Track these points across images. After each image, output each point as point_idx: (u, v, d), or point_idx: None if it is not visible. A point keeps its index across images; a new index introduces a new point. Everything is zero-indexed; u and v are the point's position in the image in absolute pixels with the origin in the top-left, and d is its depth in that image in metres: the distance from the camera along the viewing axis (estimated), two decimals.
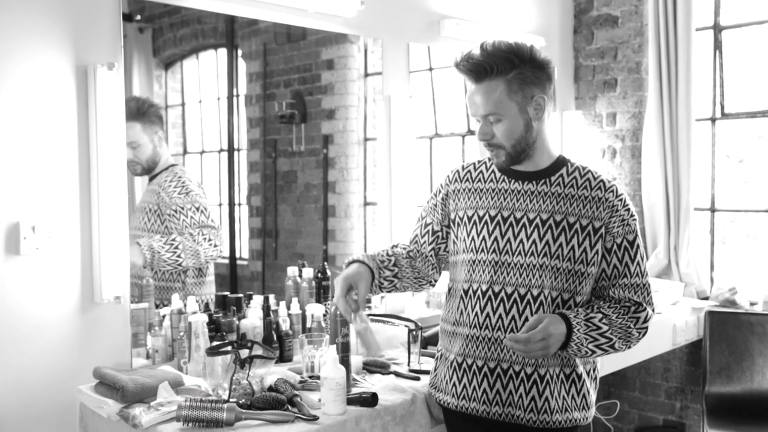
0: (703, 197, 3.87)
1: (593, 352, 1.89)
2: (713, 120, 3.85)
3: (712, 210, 3.88)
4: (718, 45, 3.80)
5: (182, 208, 2.62)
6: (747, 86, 3.80)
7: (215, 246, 2.65)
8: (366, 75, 3.30)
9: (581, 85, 4.19)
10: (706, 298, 3.81)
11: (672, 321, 3.51)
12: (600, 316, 1.89)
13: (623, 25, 4.02)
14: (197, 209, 2.65)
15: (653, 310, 1.96)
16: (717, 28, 3.80)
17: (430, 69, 3.57)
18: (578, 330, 1.85)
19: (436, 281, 2.20)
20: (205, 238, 2.61)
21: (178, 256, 2.56)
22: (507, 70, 1.87)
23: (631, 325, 1.91)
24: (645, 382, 4.05)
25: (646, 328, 1.94)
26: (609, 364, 3.05)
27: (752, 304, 3.67)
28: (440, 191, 2.11)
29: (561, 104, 4.13)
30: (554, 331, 1.82)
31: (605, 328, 1.88)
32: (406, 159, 3.19)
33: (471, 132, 3.71)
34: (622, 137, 4.07)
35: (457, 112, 3.75)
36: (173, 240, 2.56)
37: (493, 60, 1.86)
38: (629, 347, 1.94)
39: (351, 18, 2.93)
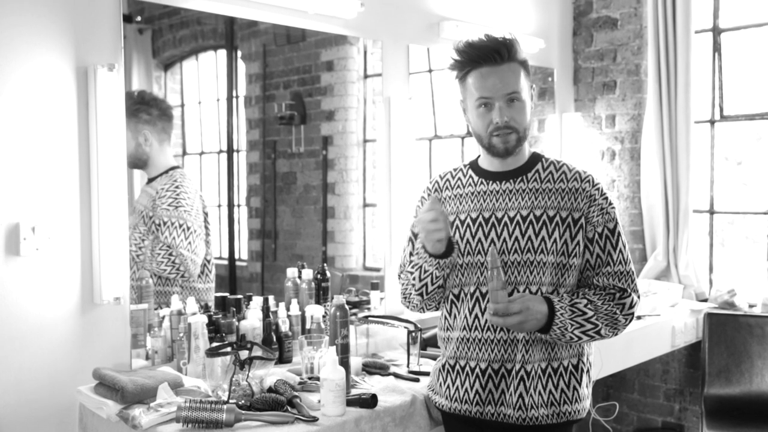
0: (702, 199, 3.87)
1: (579, 338, 1.89)
2: (712, 122, 3.85)
3: (711, 212, 3.89)
4: (717, 47, 3.81)
5: (164, 223, 2.61)
6: (746, 89, 3.80)
7: (177, 269, 2.63)
8: (365, 76, 3.31)
9: (580, 87, 4.19)
10: (705, 300, 3.81)
11: (671, 323, 3.51)
12: (585, 301, 1.90)
13: (622, 28, 4.02)
14: (179, 226, 2.63)
15: (638, 297, 1.96)
16: (716, 31, 3.81)
17: (430, 71, 3.57)
18: (562, 314, 1.86)
19: None
20: (168, 260, 2.60)
21: (138, 256, 2.55)
22: (518, 55, 1.93)
23: (617, 312, 1.91)
24: (644, 384, 4.05)
25: (632, 314, 1.94)
26: (608, 365, 3.05)
27: (751, 306, 3.67)
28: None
29: (560, 106, 4.13)
30: (532, 307, 1.83)
31: (590, 313, 1.89)
32: (405, 160, 3.19)
33: (470, 134, 3.70)
34: (621, 139, 4.07)
35: (457, 114, 3.74)
36: (143, 244, 2.56)
37: (506, 44, 1.91)
38: (616, 334, 1.95)
39: (351, 19, 2.93)
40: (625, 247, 1.97)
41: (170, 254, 2.60)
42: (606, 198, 1.96)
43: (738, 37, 3.79)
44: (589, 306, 1.90)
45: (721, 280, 3.87)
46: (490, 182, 1.99)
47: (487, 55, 1.90)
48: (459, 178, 2.06)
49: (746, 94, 3.80)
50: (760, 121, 3.76)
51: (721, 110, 3.83)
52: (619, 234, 1.96)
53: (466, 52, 1.93)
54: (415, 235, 2.12)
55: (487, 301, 1.91)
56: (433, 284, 1.99)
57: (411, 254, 2.11)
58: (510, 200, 1.96)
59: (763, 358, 3.53)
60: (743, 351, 3.57)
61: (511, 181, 1.98)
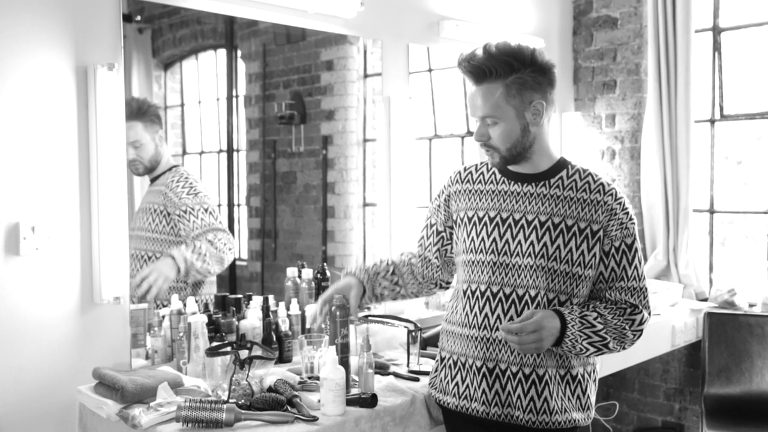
0: (702, 199, 3.87)
1: (587, 349, 1.90)
2: (712, 121, 3.85)
3: (711, 211, 3.88)
4: (717, 47, 3.81)
5: (192, 209, 2.62)
6: (746, 88, 3.80)
7: (230, 249, 2.65)
8: (365, 76, 3.31)
9: (580, 87, 4.19)
10: (705, 300, 3.81)
11: (671, 322, 3.51)
12: (595, 314, 1.90)
13: (622, 27, 4.02)
14: (206, 210, 2.65)
15: (649, 314, 1.96)
16: (716, 30, 3.81)
17: (430, 70, 3.57)
18: (572, 326, 1.86)
19: (448, 283, 2.22)
20: (224, 244, 2.62)
21: (207, 264, 2.57)
22: (506, 73, 1.88)
23: (626, 327, 1.91)
24: (644, 384, 4.05)
25: (641, 330, 1.94)
26: (608, 365, 3.05)
27: (751, 305, 3.67)
28: (443, 192, 2.13)
29: (560, 105, 4.13)
30: (547, 324, 1.82)
31: (600, 326, 1.89)
32: (405, 160, 3.19)
33: (470, 133, 3.71)
34: (621, 139, 4.07)
35: (457, 114, 3.75)
36: (200, 249, 2.57)
37: (493, 63, 1.87)
38: (624, 348, 1.95)
39: (351, 19, 2.93)
40: (641, 263, 1.96)
41: (224, 242, 2.61)
42: (627, 213, 1.95)
43: (738, 36, 3.79)
44: (598, 319, 1.89)
45: (721, 279, 3.87)
46: (512, 183, 1.99)
47: (469, 72, 1.92)
48: (482, 173, 2.06)
49: (746, 94, 3.80)
50: (760, 121, 3.75)
51: (721, 109, 3.83)
52: (636, 250, 1.95)
53: (461, 64, 1.95)
54: (428, 220, 2.19)
55: (497, 301, 1.93)
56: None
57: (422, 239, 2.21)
58: (529, 203, 1.95)
59: (763, 358, 3.53)
60: (743, 350, 3.57)
61: (533, 184, 1.97)
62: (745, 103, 3.79)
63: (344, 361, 2.11)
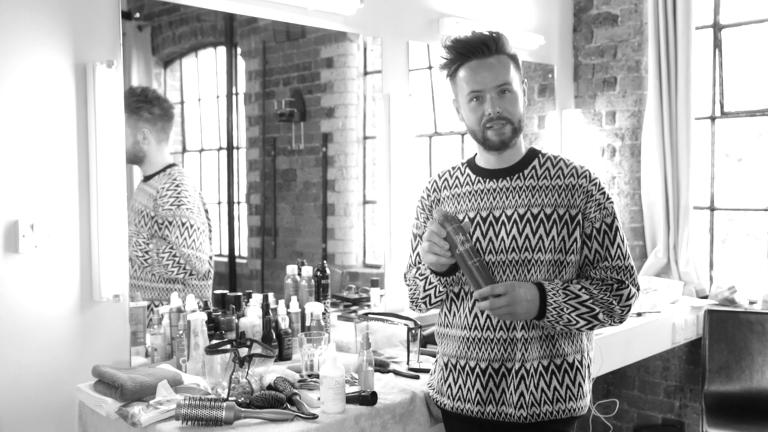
0: (703, 196, 3.87)
1: (576, 321, 1.87)
2: (713, 118, 3.85)
3: (712, 209, 3.88)
4: (717, 43, 3.80)
5: (170, 223, 2.61)
6: (746, 85, 3.80)
7: (183, 269, 2.62)
8: (365, 73, 3.30)
9: (581, 84, 4.19)
10: (706, 297, 3.81)
11: (671, 320, 3.51)
12: (579, 286, 1.89)
13: (623, 24, 4.01)
14: (182, 224, 2.62)
15: (638, 290, 1.95)
16: (717, 27, 3.80)
17: (430, 67, 3.57)
18: (554, 295, 1.85)
19: None
20: (173, 261, 2.60)
21: (144, 260, 2.57)
22: (506, 48, 1.93)
23: (614, 302, 1.89)
24: (644, 381, 4.05)
25: (629, 306, 1.92)
26: (608, 362, 3.05)
27: (751, 302, 3.67)
28: (425, 205, 2.10)
29: (560, 103, 4.12)
30: (519, 289, 1.81)
31: (585, 297, 1.87)
32: (405, 157, 3.19)
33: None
34: (622, 136, 4.07)
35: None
36: (147, 245, 2.58)
37: (494, 37, 1.91)
38: (614, 322, 1.93)
39: (350, 16, 2.93)
40: (623, 241, 1.95)
41: (174, 255, 2.60)
42: (604, 193, 1.94)
43: (738, 33, 3.78)
44: (583, 291, 1.88)
45: (721, 276, 3.86)
46: (487, 180, 1.98)
47: (475, 48, 1.91)
48: (457, 177, 2.05)
49: (747, 91, 3.80)
50: (761, 118, 3.75)
51: (722, 107, 3.82)
52: (617, 229, 1.94)
53: (454, 47, 1.94)
54: (419, 236, 2.11)
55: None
56: (436, 297, 2.02)
57: (417, 256, 2.10)
58: (507, 198, 1.94)
59: (764, 355, 3.53)
60: (743, 348, 3.57)
61: (508, 178, 1.96)
62: (746, 100, 3.78)
63: (481, 265, 1.82)
